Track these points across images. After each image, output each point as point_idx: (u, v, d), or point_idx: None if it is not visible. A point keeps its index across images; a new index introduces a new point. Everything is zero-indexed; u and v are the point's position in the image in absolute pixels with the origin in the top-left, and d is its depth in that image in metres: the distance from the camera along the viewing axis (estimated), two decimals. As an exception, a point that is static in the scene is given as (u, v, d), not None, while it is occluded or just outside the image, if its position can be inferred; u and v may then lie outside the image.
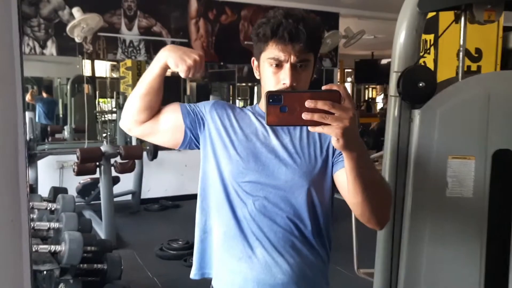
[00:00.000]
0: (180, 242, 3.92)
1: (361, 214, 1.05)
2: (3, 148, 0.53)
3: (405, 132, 1.51)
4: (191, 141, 1.23)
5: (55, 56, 4.95)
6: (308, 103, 0.80)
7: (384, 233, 1.56)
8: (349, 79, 12.51)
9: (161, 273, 3.58)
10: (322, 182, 1.16)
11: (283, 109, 0.82)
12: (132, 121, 1.22)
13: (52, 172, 5.07)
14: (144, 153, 4.84)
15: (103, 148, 4.12)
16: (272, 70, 1.12)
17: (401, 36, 1.50)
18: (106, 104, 7.23)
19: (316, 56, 1.17)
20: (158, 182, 5.65)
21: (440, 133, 1.47)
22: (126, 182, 5.06)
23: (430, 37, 2.51)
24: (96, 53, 5.11)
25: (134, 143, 5.37)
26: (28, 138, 4.42)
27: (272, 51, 1.11)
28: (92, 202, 4.95)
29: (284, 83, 1.11)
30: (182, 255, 3.77)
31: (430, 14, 2.03)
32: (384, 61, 11.26)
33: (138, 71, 5.97)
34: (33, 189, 3.99)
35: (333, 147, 1.12)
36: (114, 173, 4.42)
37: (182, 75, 1.14)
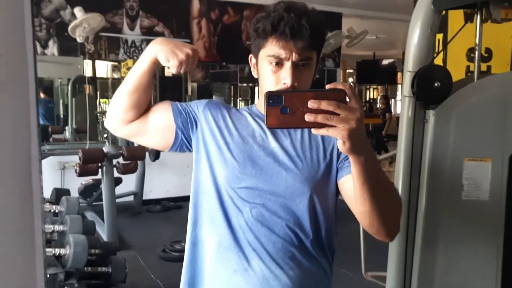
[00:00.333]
0: (183, 244, 3.88)
1: (369, 224, 0.97)
2: (15, 151, 0.49)
3: (419, 133, 1.48)
4: (182, 143, 1.14)
5: (57, 56, 4.92)
6: (311, 104, 0.74)
7: (398, 236, 1.52)
8: (350, 80, 12.49)
9: (165, 275, 3.55)
10: (326, 189, 1.08)
11: (284, 110, 0.76)
12: (118, 120, 1.13)
13: (53, 173, 5.04)
14: (146, 154, 4.80)
15: (105, 149, 4.10)
16: (271, 68, 1.04)
17: (415, 35, 1.46)
18: (107, 104, 7.21)
19: (319, 54, 1.09)
20: (160, 183, 5.62)
21: (455, 135, 1.44)
22: (128, 183, 5.03)
23: (439, 37, 2.47)
24: (98, 53, 5.09)
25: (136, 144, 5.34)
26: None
27: (272, 48, 1.03)
28: (94, 203, 4.92)
29: (284, 83, 1.03)
30: (186, 257, 3.73)
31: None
32: (385, 62, 11.25)
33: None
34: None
35: (337, 151, 1.07)
36: (116, 174, 4.39)
37: (173, 70, 1.06)
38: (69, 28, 4.39)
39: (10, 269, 0.49)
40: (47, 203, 2.43)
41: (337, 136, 0.76)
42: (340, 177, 1.07)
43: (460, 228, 1.48)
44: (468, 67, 2.39)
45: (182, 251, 4.51)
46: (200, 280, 1.12)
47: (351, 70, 12.18)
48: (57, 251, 1.94)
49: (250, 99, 8.28)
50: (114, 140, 6.09)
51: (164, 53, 1.04)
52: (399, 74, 11.45)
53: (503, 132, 1.42)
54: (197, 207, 1.13)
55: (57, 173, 5.11)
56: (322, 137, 1.09)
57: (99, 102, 6.89)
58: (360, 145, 0.79)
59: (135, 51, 5.16)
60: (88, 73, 6.29)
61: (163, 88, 6.61)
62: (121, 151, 4.20)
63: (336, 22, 6.17)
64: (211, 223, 1.10)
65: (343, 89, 0.76)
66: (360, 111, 0.76)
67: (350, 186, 0.94)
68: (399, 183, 1.51)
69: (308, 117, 0.74)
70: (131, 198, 5.33)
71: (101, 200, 4.23)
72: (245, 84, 7.96)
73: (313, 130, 0.76)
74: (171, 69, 1.06)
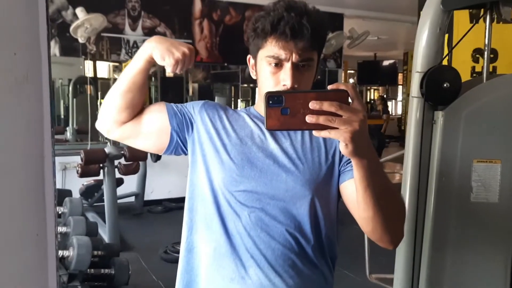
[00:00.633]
0: (185, 245, 3.87)
1: (372, 230, 0.93)
2: (28, 156, 0.48)
3: (427, 134, 1.46)
4: (178, 146, 1.09)
5: (58, 56, 4.91)
6: (313, 105, 0.71)
7: (405, 238, 1.51)
8: (351, 80, 12.49)
9: (166, 276, 3.53)
10: (327, 192, 1.04)
11: (284, 111, 0.73)
12: (111, 121, 1.07)
13: (54, 174, 5.02)
14: (148, 154, 4.79)
15: (107, 150, 4.08)
16: (270, 69, 1.00)
17: (424, 35, 1.45)
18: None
19: (320, 55, 1.05)
20: (161, 183, 5.60)
21: (464, 136, 1.42)
22: (129, 183, 5.01)
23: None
24: (100, 54, 5.07)
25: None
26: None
27: (271, 49, 0.99)
28: (95, 204, 4.91)
29: (284, 85, 0.99)
30: (188, 258, 3.72)
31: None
32: (386, 63, 11.25)
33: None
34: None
35: (339, 153, 1.03)
36: (117, 175, 4.38)
37: (169, 69, 1.01)
38: (71, 28, 4.38)
39: (24, 271, 0.47)
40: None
41: (340, 138, 0.73)
42: (342, 181, 1.03)
43: (469, 230, 1.46)
44: (473, 68, 2.37)
45: (184, 252, 4.44)
46: None
47: (352, 71, 12.19)
48: (60, 253, 1.92)
49: (251, 100, 8.27)
50: (115, 140, 6.07)
51: (160, 52, 1.01)
52: (400, 75, 11.45)
53: (512, 133, 1.41)
54: (193, 212, 1.09)
55: (58, 174, 5.09)
56: (324, 138, 1.05)
57: (100, 103, 6.88)
58: (363, 148, 0.76)
59: (136, 51, 5.15)
60: (89, 73, 6.29)
61: (164, 88, 6.60)
62: (122, 152, 4.19)
63: (337, 23, 6.17)
64: (207, 229, 1.05)
65: (346, 89, 0.73)
66: (363, 113, 0.73)
67: (352, 190, 0.91)
68: (407, 185, 1.49)
69: (309, 119, 0.72)
70: (132, 199, 5.32)
71: (103, 201, 4.22)
72: (246, 85, 7.95)
73: (315, 132, 0.73)
74: (166, 68, 1.02)
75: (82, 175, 4.14)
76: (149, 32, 5.21)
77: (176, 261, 3.47)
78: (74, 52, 4.87)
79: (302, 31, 0.96)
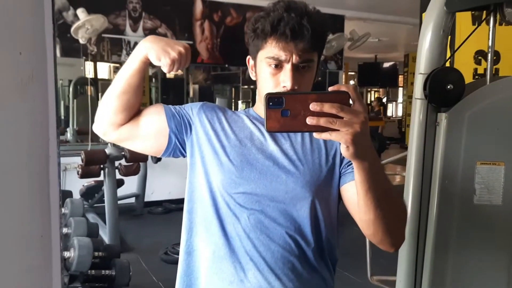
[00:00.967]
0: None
1: (373, 233, 0.92)
2: (33, 156, 0.47)
3: (430, 136, 1.45)
4: (176, 148, 1.07)
5: (59, 57, 4.90)
6: (313, 106, 0.70)
7: (408, 240, 1.50)
8: (351, 82, 12.50)
9: (167, 277, 3.52)
10: (328, 194, 1.03)
11: (284, 113, 0.72)
12: (107, 123, 1.06)
13: (54, 175, 5.02)
14: (148, 155, 4.79)
15: (107, 151, 4.08)
16: (270, 71, 0.99)
17: (427, 37, 1.44)
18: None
19: (320, 56, 1.04)
20: (162, 184, 5.60)
21: (468, 138, 1.41)
22: (129, 184, 5.01)
23: (446, 39, 2.45)
24: (100, 55, 5.07)
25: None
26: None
27: (271, 50, 0.98)
28: (95, 205, 4.90)
29: (284, 86, 0.98)
30: (188, 259, 3.71)
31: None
32: (386, 64, 11.25)
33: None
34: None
35: (340, 155, 1.02)
36: (118, 176, 4.37)
37: (165, 69, 0.99)
38: (72, 29, 4.37)
39: (28, 272, 0.47)
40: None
41: (341, 140, 0.72)
42: (342, 183, 1.02)
43: (472, 233, 1.46)
44: (475, 70, 2.37)
45: (185, 253, 4.44)
46: None
47: (353, 73, 12.19)
48: (61, 254, 1.92)
49: (251, 101, 8.27)
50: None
51: (155, 52, 0.98)
52: (400, 77, 11.46)
53: (516, 135, 1.41)
54: (192, 214, 1.08)
55: (58, 174, 5.09)
56: (325, 140, 1.03)
57: (101, 104, 6.87)
58: (364, 150, 0.75)
59: (137, 52, 5.15)
60: (89, 74, 6.29)
61: (164, 90, 6.60)
62: (123, 153, 4.18)
63: (338, 24, 6.17)
64: (206, 231, 1.04)
65: (347, 91, 0.72)
66: (365, 114, 0.73)
67: (353, 193, 0.90)
68: (410, 187, 1.49)
69: (310, 121, 0.71)
70: (132, 200, 5.31)
71: (103, 202, 4.22)
72: (246, 87, 7.95)
73: (315, 134, 0.73)
74: (162, 68, 1.00)
75: (83, 176, 4.13)
76: (150, 33, 5.20)
77: (176, 262, 3.45)
78: (74, 53, 4.86)
79: (302, 32, 0.95)
